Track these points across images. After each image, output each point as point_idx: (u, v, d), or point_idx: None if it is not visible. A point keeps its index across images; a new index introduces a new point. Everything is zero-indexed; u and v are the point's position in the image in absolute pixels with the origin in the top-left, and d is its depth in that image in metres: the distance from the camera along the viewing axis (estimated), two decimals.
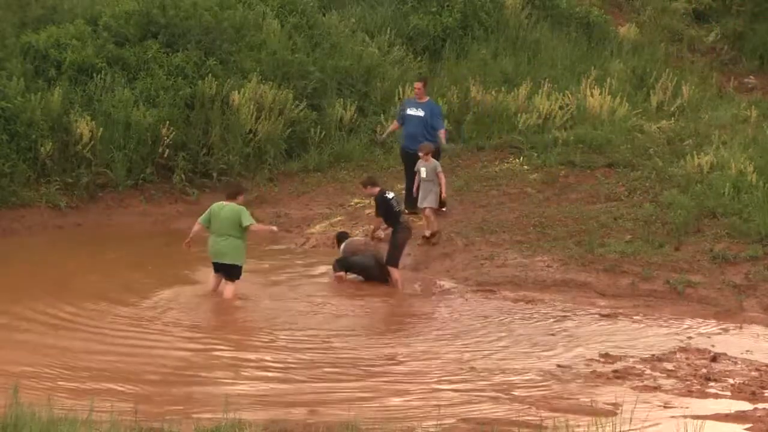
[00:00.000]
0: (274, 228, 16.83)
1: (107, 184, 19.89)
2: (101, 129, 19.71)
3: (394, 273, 16.59)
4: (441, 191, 17.78)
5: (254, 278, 16.96)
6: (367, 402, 12.13)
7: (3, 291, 15.88)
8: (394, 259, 16.62)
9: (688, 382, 12.98)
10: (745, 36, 26.49)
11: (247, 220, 15.98)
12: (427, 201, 17.65)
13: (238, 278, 16.08)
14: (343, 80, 22.10)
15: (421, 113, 18.70)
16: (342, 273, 16.85)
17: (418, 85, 19.09)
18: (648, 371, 13.36)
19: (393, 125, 19.51)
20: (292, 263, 17.58)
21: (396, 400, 12.26)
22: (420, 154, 17.85)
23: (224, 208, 16.01)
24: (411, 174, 18.25)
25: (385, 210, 16.70)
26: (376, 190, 16.79)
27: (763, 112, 22.00)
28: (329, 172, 20.30)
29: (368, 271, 16.83)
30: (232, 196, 16.15)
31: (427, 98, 19.00)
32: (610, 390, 12.57)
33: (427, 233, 17.76)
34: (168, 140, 20.01)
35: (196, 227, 16.13)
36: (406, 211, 18.14)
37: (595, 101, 22.16)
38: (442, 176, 17.77)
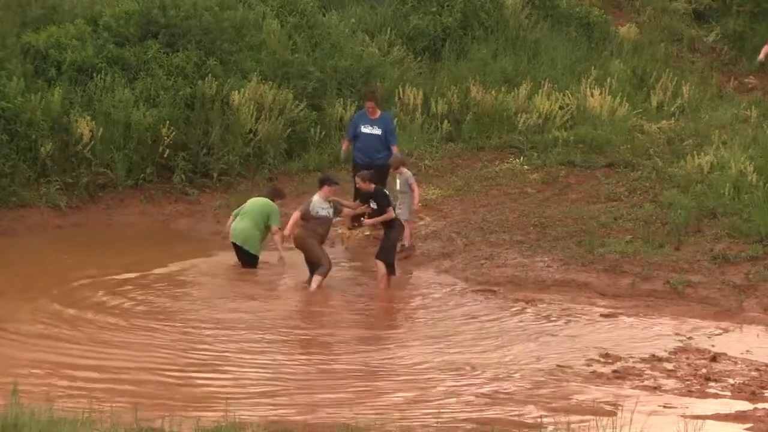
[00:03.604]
0: (284, 257, 17.15)
1: (107, 184, 19.89)
2: (101, 129, 19.70)
3: (381, 268, 16.52)
4: (414, 202, 17.57)
5: (253, 277, 17.01)
6: (367, 402, 12.13)
7: (5, 290, 15.93)
8: (385, 254, 16.51)
9: (688, 382, 12.99)
10: (745, 36, 26.45)
11: (276, 221, 17.13)
12: (400, 213, 17.12)
13: (253, 267, 17.11)
14: (343, 80, 22.07)
15: (377, 131, 18.43)
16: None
17: (369, 105, 18.64)
18: (648, 371, 13.36)
19: (344, 144, 18.99)
20: (290, 263, 17.55)
21: (396, 400, 12.26)
22: (392, 169, 17.68)
23: (259, 199, 17.45)
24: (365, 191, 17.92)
25: (387, 205, 16.59)
26: (373, 186, 16.74)
27: (763, 112, 21.98)
28: (329, 172, 20.26)
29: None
30: (271, 197, 17.45)
31: (379, 112, 18.68)
32: (610, 390, 12.58)
33: (406, 243, 17.59)
34: (168, 140, 19.99)
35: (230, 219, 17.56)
36: (355, 224, 18.21)
37: (595, 101, 22.15)
38: (415, 186, 17.60)
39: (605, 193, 18.99)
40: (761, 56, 22.86)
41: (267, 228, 17.17)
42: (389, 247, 16.61)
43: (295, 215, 16.71)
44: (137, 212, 19.74)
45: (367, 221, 16.98)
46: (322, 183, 16.83)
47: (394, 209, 16.70)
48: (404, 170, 17.68)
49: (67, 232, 18.99)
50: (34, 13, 21.69)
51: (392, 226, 16.63)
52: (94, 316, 15.05)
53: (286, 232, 16.67)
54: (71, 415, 9.94)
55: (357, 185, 16.96)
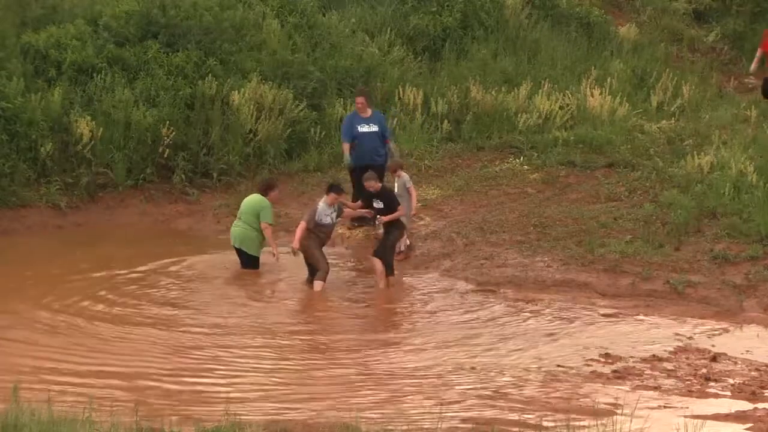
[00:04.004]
0: (276, 254, 16.95)
1: (107, 184, 19.88)
2: (101, 129, 19.71)
3: (378, 265, 16.51)
4: (412, 206, 17.54)
5: (253, 279, 17.01)
6: (367, 402, 12.14)
7: (4, 290, 15.94)
8: (384, 253, 16.52)
9: (688, 382, 12.99)
10: (745, 36, 26.48)
11: (266, 216, 17.02)
12: None
13: (253, 268, 17.06)
14: (343, 80, 22.07)
15: (375, 128, 18.29)
16: None
17: (360, 100, 18.49)
18: (648, 371, 13.37)
19: (346, 148, 18.50)
20: (291, 263, 17.55)
21: (396, 400, 12.26)
22: (389, 172, 17.69)
23: (251, 197, 17.34)
24: (362, 188, 17.85)
25: (396, 203, 16.64)
26: (380, 185, 16.76)
27: (763, 112, 21.99)
28: (329, 172, 20.28)
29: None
30: (263, 191, 17.33)
31: (370, 110, 18.58)
32: (610, 390, 12.58)
33: (403, 247, 17.58)
34: (168, 140, 19.99)
35: None
36: (355, 224, 18.21)
37: (596, 101, 22.15)
38: (413, 191, 17.60)
39: (605, 193, 18.98)
40: (752, 67, 22.69)
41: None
42: (389, 247, 16.63)
43: (302, 226, 16.59)
44: (137, 212, 19.74)
45: (383, 218, 16.77)
46: (331, 189, 16.75)
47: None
48: (402, 174, 17.66)
49: (67, 232, 19.00)
50: (34, 13, 21.70)
51: (395, 226, 16.64)
52: (93, 317, 15.06)
53: (294, 245, 16.57)
54: (71, 416, 9.95)
55: (368, 186, 16.77)
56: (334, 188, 16.80)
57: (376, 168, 17.57)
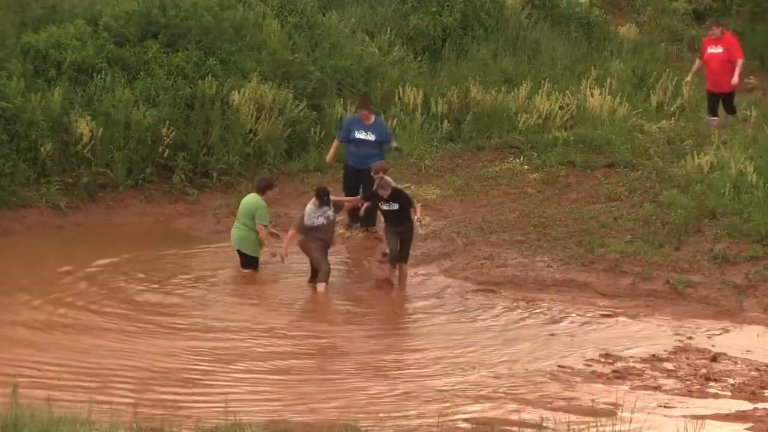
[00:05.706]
0: (276, 252, 16.90)
1: (107, 184, 19.87)
2: (101, 129, 19.69)
3: (405, 269, 16.60)
4: None
5: (252, 279, 17.00)
6: (367, 401, 12.14)
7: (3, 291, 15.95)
8: (407, 256, 16.65)
9: (688, 382, 13.00)
10: (745, 36, 26.46)
11: (260, 218, 16.91)
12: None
13: (253, 269, 17.02)
14: (343, 80, 22.07)
15: (371, 137, 18.33)
16: None
17: (363, 113, 18.41)
18: (648, 371, 13.38)
19: (334, 144, 18.78)
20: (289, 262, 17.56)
21: (396, 400, 12.26)
22: (372, 174, 17.73)
23: (248, 197, 17.23)
24: (355, 191, 18.02)
25: (410, 203, 16.67)
26: (389, 190, 16.74)
27: (763, 112, 21.98)
28: (329, 172, 20.26)
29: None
30: (260, 190, 17.17)
31: (374, 118, 18.59)
32: (610, 390, 12.59)
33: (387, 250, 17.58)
34: (168, 140, 19.99)
35: None
36: (356, 225, 18.23)
37: (596, 101, 22.15)
38: None
39: (605, 193, 18.98)
40: (689, 77, 21.93)
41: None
42: (409, 249, 16.66)
43: (290, 233, 16.65)
44: (137, 212, 19.73)
45: (417, 213, 16.73)
46: (317, 197, 16.65)
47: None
48: (386, 177, 17.56)
49: (67, 232, 18.98)
50: (34, 13, 21.69)
51: (410, 228, 16.67)
52: (94, 317, 15.06)
53: (283, 252, 16.63)
54: (71, 416, 9.95)
55: (381, 194, 16.64)
56: (319, 196, 16.68)
57: (368, 171, 17.72)
